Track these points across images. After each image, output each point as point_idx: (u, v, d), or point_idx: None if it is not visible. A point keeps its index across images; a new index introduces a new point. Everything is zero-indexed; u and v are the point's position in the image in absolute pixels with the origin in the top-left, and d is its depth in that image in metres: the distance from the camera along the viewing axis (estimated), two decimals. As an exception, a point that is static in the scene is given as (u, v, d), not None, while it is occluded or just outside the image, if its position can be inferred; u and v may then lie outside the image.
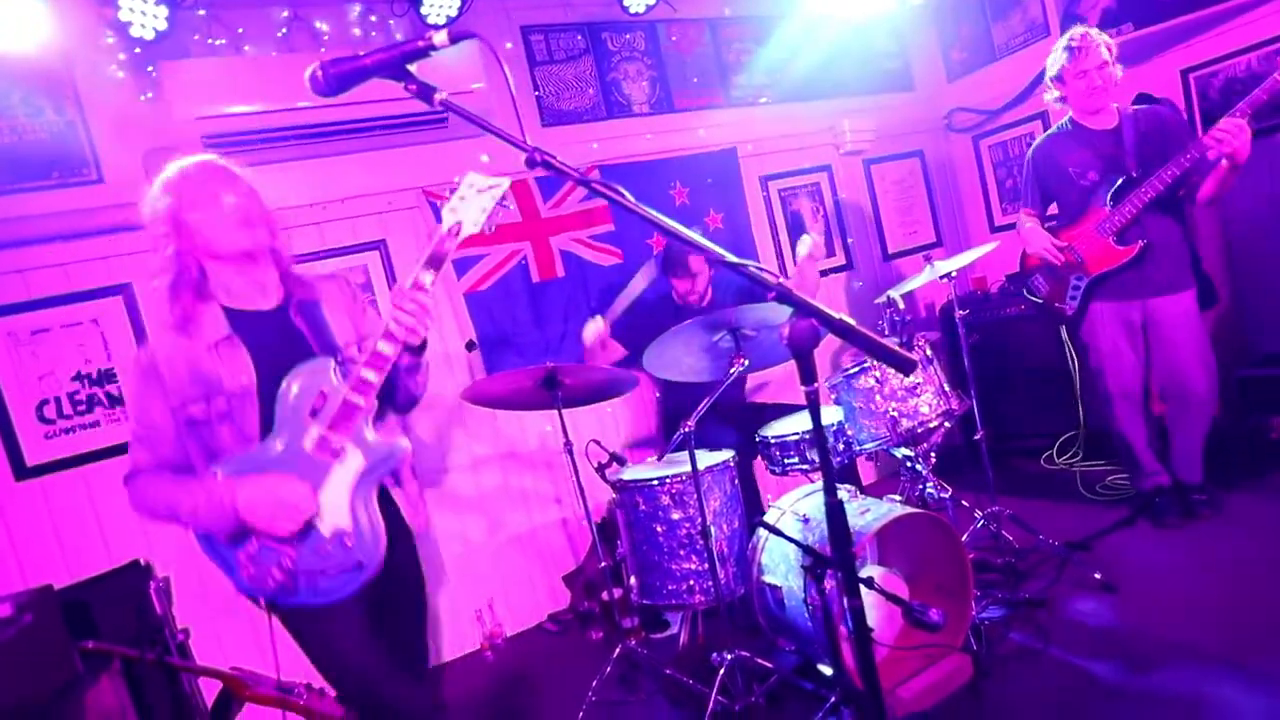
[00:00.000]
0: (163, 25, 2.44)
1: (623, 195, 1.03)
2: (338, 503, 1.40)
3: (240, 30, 2.74)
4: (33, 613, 1.96)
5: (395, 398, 1.60)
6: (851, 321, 0.98)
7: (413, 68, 1.06)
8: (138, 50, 2.49)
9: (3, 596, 2.02)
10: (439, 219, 3.21)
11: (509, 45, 3.22)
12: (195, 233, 1.43)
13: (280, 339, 1.50)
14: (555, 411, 2.30)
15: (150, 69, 2.55)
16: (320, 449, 1.39)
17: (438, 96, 1.05)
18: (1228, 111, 2.31)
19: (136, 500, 1.46)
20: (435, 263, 1.43)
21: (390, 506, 1.57)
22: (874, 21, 4.00)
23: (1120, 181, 2.52)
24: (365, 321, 1.63)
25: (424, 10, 2.73)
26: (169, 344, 1.45)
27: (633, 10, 3.14)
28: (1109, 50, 2.51)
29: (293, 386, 1.41)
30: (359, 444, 1.41)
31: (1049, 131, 2.76)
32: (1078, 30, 2.55)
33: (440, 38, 1.02)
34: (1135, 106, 2.63)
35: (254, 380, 1.44)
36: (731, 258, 1.00)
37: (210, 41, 2.66)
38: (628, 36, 3.51)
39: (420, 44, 1.04)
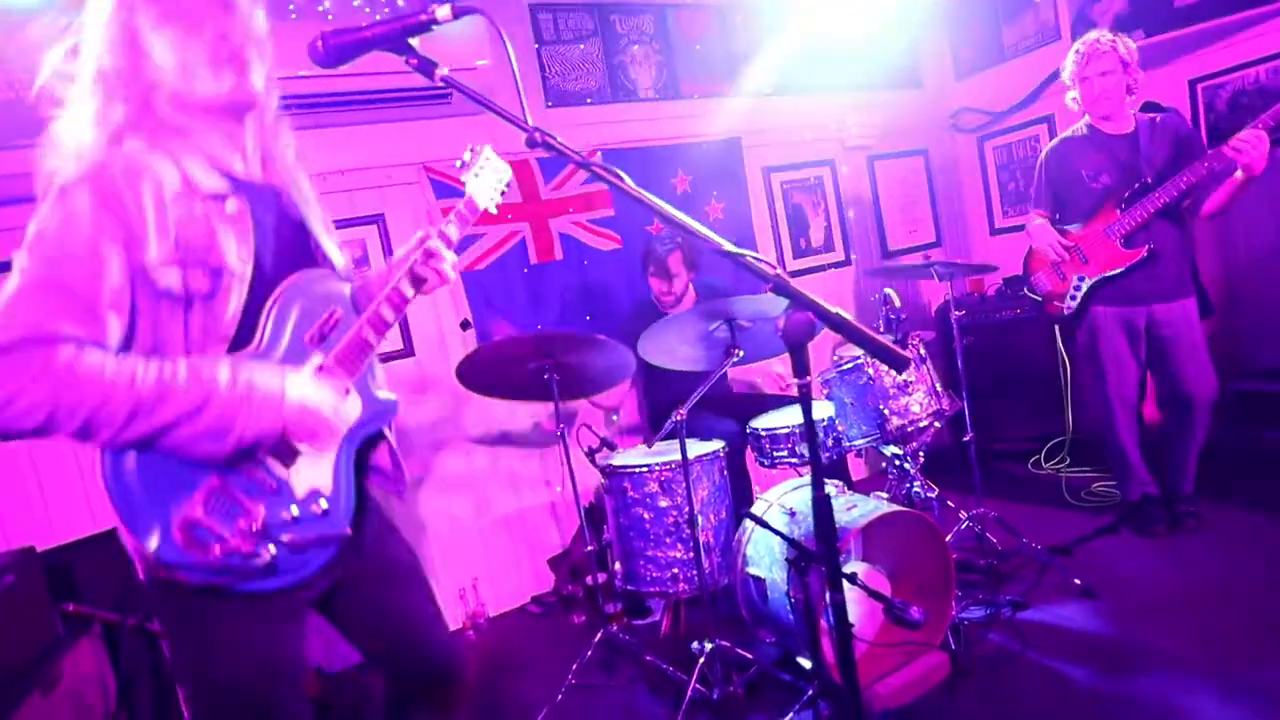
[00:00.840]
0: (163, -15, 2.39)
1: (622, 180, 1.01)
2: (322, 457, 1.14)
3: None
4: (14, 574, 1.95)
5: None
6: (848, 316, 0.98)
7: (415, 42, 1.04)
8: None
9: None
10: (439, 194, 3.19)
11: (516, 23, 3.18)
12: (159, 65, 1.04)
13: (284, 224, 1.17)
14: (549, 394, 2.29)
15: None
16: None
17: (439, 72, 1.03)
18: (1236, 123, 2.33)
19: (39, 380, 0.87)
20: (462, 222, 1.37)
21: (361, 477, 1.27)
22: (884, 16, 3.96)
23: (1136, 187, 2.53)
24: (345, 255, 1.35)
25: (431, -17, 2.69)
26: (140, 171, 0.99)
27: (643, -7, 3.10)
28: (1127, 54, 2.50)
29: (297, 295, 1.13)
30: (362, 390, 1.19)
31: (1063, 134, 2.76)
32: (1091, 35, 2.55)
33: (443, 11, 1.00)
34: (1150, 114, 2.63)
35: (252, 261, 1.08)
36: (730, 247, 0.99)
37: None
38: (637, 20, 3.47)
39: (423, 17, 1.02)
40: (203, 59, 1.05)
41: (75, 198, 0.95)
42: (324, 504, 1.12)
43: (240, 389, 0.98)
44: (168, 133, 1.06)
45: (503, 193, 1.48)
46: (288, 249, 1.16)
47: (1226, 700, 1.80)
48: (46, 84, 1.07)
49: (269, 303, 1.09)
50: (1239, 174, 2.34)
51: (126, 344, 1.01)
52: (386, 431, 1.28)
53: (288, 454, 1.10)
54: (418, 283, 1.27)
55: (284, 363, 1.08)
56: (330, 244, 1.25)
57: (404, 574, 1.33)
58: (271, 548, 1.04)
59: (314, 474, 1.13)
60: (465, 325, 3.09)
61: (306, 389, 1.06)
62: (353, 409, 1.17)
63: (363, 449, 1.24)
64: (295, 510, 1.08)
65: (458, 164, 1.45)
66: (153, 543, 0.96)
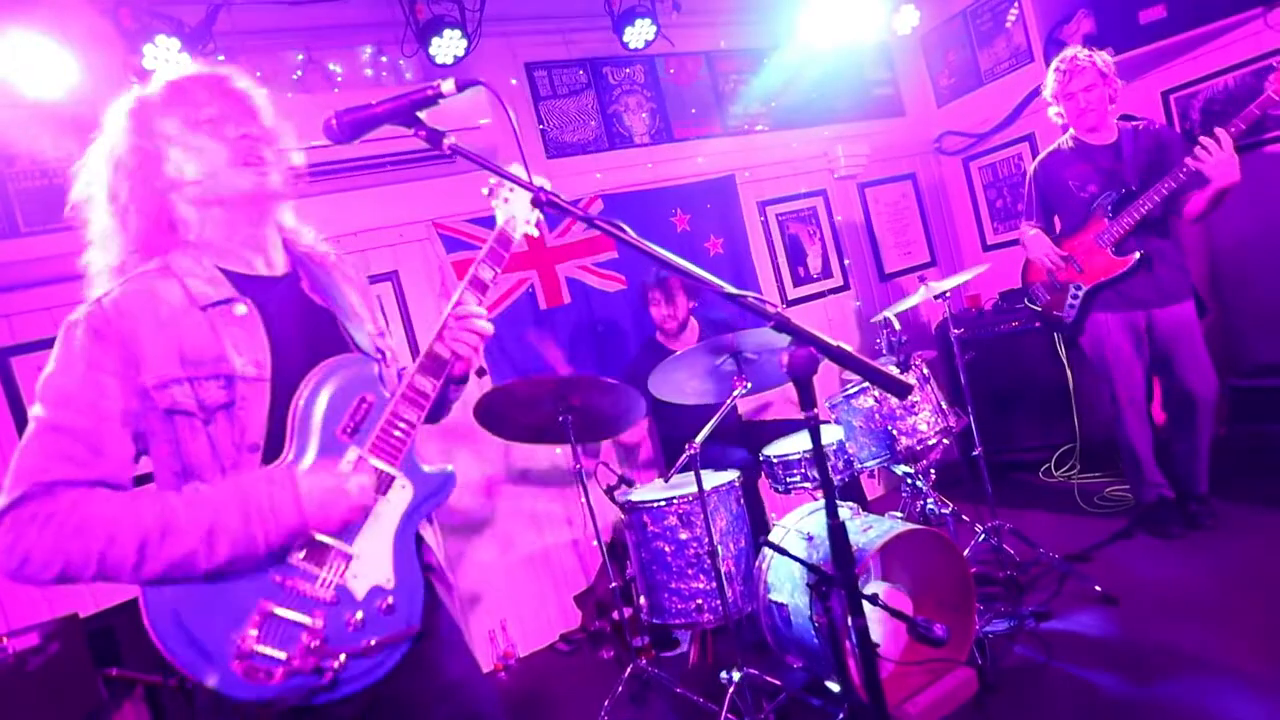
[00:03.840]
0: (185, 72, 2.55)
1: (624, 231, 1.06)
2: (378, 551, 1.06)
3: (258, 73, 2.85)
4: (59, 641, 2.01)
5: (432, 416, 1.29)
6: (849, 348, 1.02)
7: (422, 114, 1.09)
8: (110, 103, 2.59)
9: (30, 626, 2.08)
10: (449, 249, 3.29)
11: (513, 81, 3.34)
12: (180, 170, 1.05)
13: (300, 314, 1.13)
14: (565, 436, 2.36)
15: (172, 113, 2.65)
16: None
17: (446, 142, 1.09)
18: (1210, 130, 2.40)
19: (44, 534, 0.89)
20: (495, 260, 1.25)
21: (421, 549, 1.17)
22: (864, 50, 4.14)
23: (1121, 194, 2.61)
24: (378, 314, 1.30)
25: (432, 51, 2.85)
26: (136, 297, 1.00)
27: (632, 45, 3.26)
28: (1105, 68, 2.61)
29: (324, 390, 1.05)
30: (409, 473, 1.11)
31: (1050, 147, 2.85)
32: (1067, 52, 2.66)
33: (448, 86, 1.07)
34: (1133, 123, 2.72)
35: (269, 364, 1.04)
36: (730, 289, 1.03)
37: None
38: (627, 70, 3.64)
39: (429, 92, 1.07)
40: (224, 160, 1.06)
41: (73, 335, 0.98)
42: (390, 600, 1.05)
43: (251, 500, 0.94)
44: (176, 246, 1.07)
45: (537, 209, 1.30)
46: (312, 339, 1.11)
47: (1256, 699, 1.81)
48: (75, 203, 1.10)
49: (292, 404, 1.03)
50: (1211, 183, 2.41)
51: (129, 475, 1.00)
52: (424, 531, 1.18)
53: (338, 557, 1.03)
54: (453, 343, 1.18)
55: (317, 465, 1.03)
56: (359, 326, 1.19)
57: (466, 695, 1.18)
58: (341, 658, 0.98)
59: (373, 571, 1.05)
60: (481, 372, 3.15)
61: (317, 476, 0.99)
62: (401, 498, 1.09)
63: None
64: (360, 615, 1.02)
65: (485, 191, 1.33)
66: (212, 681, 0.92)
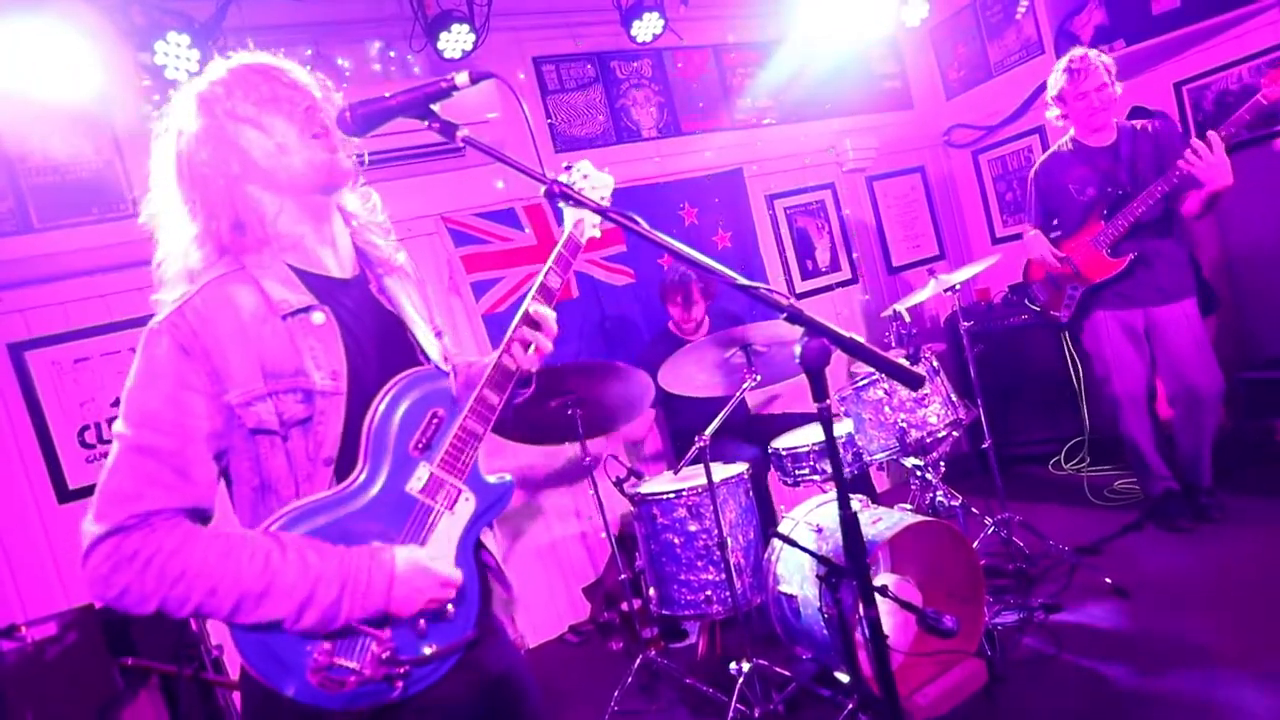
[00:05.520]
0: (194, 68, 2.56)
1: (636, 222, 1.05)
2: (443, 562, 1.08)
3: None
4: (76, 631, 2.04)
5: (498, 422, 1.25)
6: (861, 339, 1.01)
7: (436, 106, 1.08)
8: (172, 92, 2.61)
9: (47, 616, 2.10)
10: (458, 243, 3.30)
11: (521, 76, 3.35)
12: (248, 149, 1.02)
13: (372, 320, 1.11)
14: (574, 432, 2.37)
15: (183, 109, 2.66)
16: (430, 493, 1.06)
17: (460, 134, 1.07)
18: (1224, 121, 2.39)
19: (145, 575, 0.88)
20: (564, 266, 1.22)
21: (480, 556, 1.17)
22: (872, 43, 4.11)
23: (1116, 196, 2.60)
24: (435, 312, 1.27)
25: (441, 46, 2.85)
26: (218, 306, 0.97)
27: (639, 39, 3.25)
28: (1108, 70, 2.60)
29: (401, 404, 1.04)
30: (474, 487, 1.11)
31: (1050, 150, 2.85)
32: (1077, 52, 2.64)
33: (462, 78, 1.05)
34: (1133, 121, 2.71)
35: (345, 376, 1.03)
36: (742, 280, 1.02)
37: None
38: (635, 64, 3.63)
39: (443, 85, 1.05)
40: (294, 136, 1.03)
41: (156, 347, 0.95)
42: (450, 609, 1.07)
43: (349, 577, 0.94)
44: (251, 247, 1.03)
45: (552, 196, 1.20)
46: (385, 349, 1.10)
47: (1266, 691, 1.81)
48: (147, 208, 1.06)
49: (366, 420, 1.02)
50: (1204, 185, 2.40)
51: (231, 484, 1.02)
52: (484, 537, 1.19)
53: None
54: (518, 354, 1.15)
55: (390, 479, 1.03)
56: (425, 332, 1.18)
57: (512, 687, 1.19)
58: (407, 667, 1.01)
59: None
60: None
61: (414, 565, 0.99)
62: (466, 510, 1.10)
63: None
64: (423, 624, 1.04)
65: (564, 177, 1.24)
66: (290, 690, 0.96)
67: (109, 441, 2.63)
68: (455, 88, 1.07)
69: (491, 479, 1.14)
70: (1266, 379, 3.09)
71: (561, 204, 1.11)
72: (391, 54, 3.07)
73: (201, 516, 0.97)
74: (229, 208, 1.02)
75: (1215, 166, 2.34)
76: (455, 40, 2.86)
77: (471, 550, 1.12)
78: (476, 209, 3.18)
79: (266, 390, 0.97)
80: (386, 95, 1.08)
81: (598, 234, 1.31)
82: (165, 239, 1.05)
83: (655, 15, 3.20)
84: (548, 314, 1.17)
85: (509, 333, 1.15)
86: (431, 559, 1.03)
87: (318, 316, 1.03)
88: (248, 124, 1.03)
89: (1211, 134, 2.36)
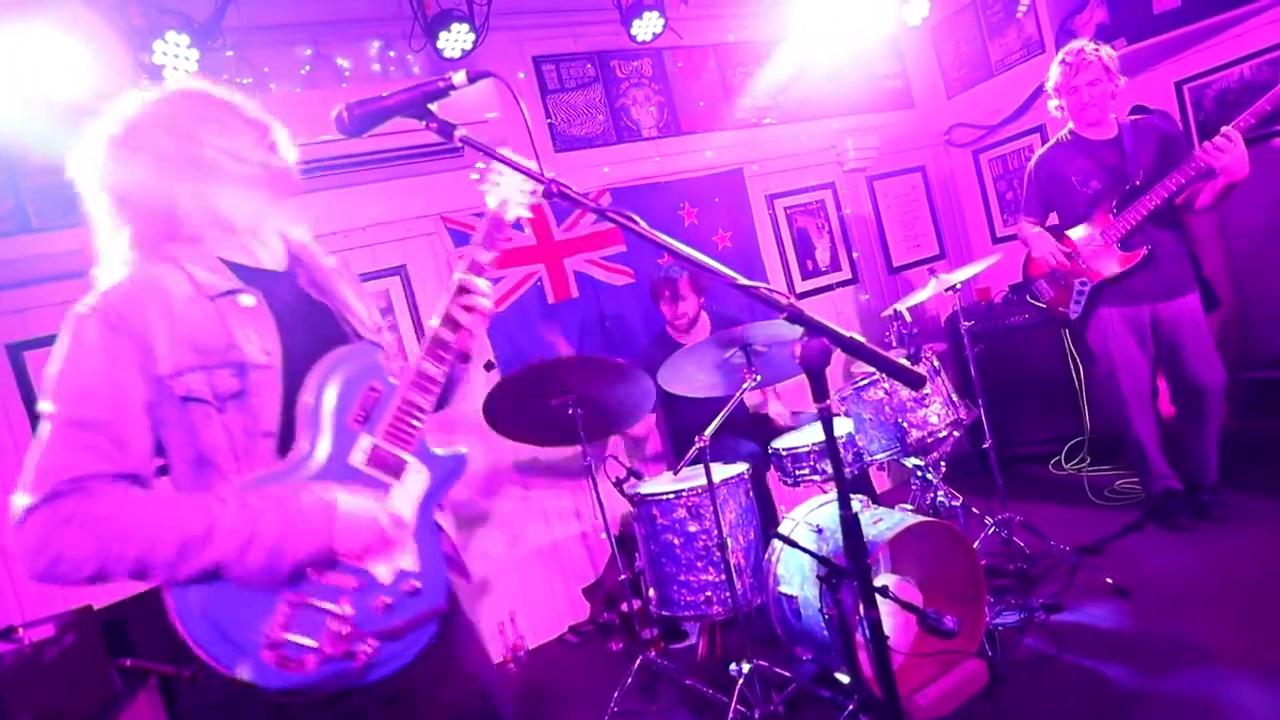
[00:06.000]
0: (193, 67, 2.55)
1: (636, 222, 1.05)
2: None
3: (266, 69, 2.86)
4: (74, 632, 2.03)
5: (442, 400, 1.27)
6: (861, 339, 1.01)
7: (433, 106, 1.08)
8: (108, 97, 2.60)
9: (45, 617, 2.10)
10: (457, 243, 3.30)
11: (521, 75, 3.34)
12: (190, 157, 1.06)
13: (304, 307, 1.15)
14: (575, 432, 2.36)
15: (181, 108, 2.66)
16: (375, 464, 1.07)
17: (457, 133, 1.08)
18: (1225, 120, 2.38)
19: (85, 535, 0.88)
20: (490, 243, 1.25)
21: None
22: (873, 42, 4.10)
23: (1126, 189, 2.59)
24: (374, 310, 1.31)
25: (440, 45, 2.85)
26: (144, 288, 1.00)
27: (640, 39, 3.24)
28: (1110, 62, 2.59)
29: (331, 380, 1.06)
30: (423, 457, 1.13)
31: (1050, 142, 2.83)
32: (1074, 45, 2.63)
33: (459, 78, 1.05)
34: (1131, 117, 2.70)
35: (279, 352, 1.06)
36: (742, 280, 1.02)
37: (238, 80, 2.78)
38: (635, 64, 3.63)
39: (440, 84, 1.05)
40: (233, 156, 1.08)
41: (85, 329, 0.96)
42: (415, 583, 1.07)
43: (290, 514, 0.95)
44: (181, 239, 1.07)
45: (533, 193, 1.30)
46: (316, 332, 1.13)
47: (1265, 690, 1.81)
48: (84, 206, 1.08)
49: (301, 394, 1.05)
50: (1220, 177, 2.39)
51: (168, 459, 1.02)
52: (438, 519, 1.20)
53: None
54: (454, 326, 1.17)
55: (333, 453, 1.04)
56: (360, 314, 1.22)
57: (481, 685, 1.20)
58: (371, 643, 1.00)
59: (397, 556, 1.08)
60: (489, 366, 3.19)
61: (358, 500, 1.02)
62: (416, 482, 1.11)
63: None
64: (388, 598, 1.04)
65: (474, 175, 1.32)
66: (245, 672, 0.93)
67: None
68: (453, 87, 1.07)
69: (441, 451, 1.16)
70: (1269, 379, 3.08)
71: (565, 202, 1.10)
72: (391, 54, 3.06)
73: (140, 484, 0.97)
74: (159, 209, 1.05)
75: (1239, 158, 2.34)
76: (455, 39, 2.85)
77: (430, 524, 1.13)
78: (476, 209, 3.17)
79: (198, 363, 1.00)
80: (384, 95, 1.08)
81: (527, 214, 1.32)
82: (100, 229, 1.07)
83: (655, 14, 3.19)
84: (478, 281, 1.19)
85: (443, 306, 1.17)
86: (373, 503, 1.03)
87: (246, 299, 1.06)
88: (185, 140, 1.06)
89: (1229, 129, 2.34)
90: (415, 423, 1.11)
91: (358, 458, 1.06)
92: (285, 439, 1.05)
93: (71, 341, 0.97)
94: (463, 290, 1.18)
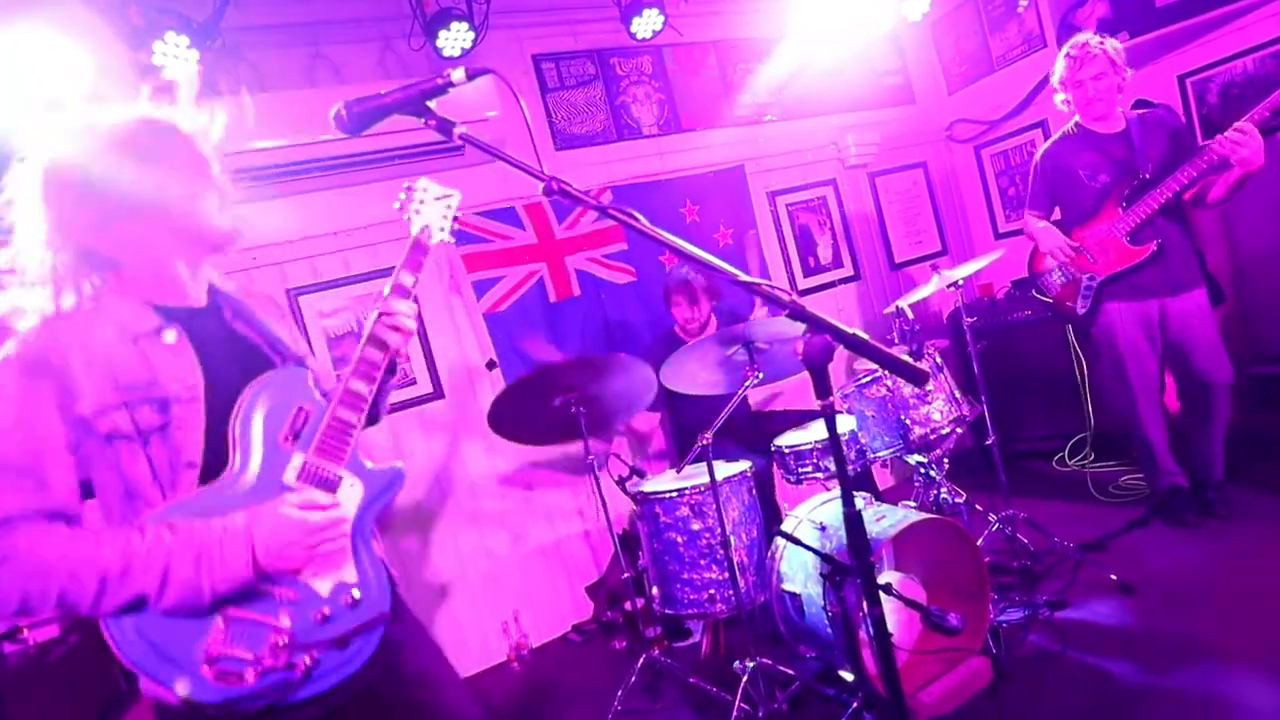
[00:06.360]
0: (193, 68, 2.55)
1: (637, 220, 1.06)
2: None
3: (265, 69, 2.86)
4: (78, 633, 2.04)
5: (370, 415, 1.32)
6: (864, 336, 1.01)
7: (432, 104, 1.08)
8: (55, 116, 2.58)
9: (50, 618, 2.10)
10: (458, 241, 3.30)
11: (521, 74, 3.33)
12: (124, 195, 1.05)
13: (227, 340, 1.18)
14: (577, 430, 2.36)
15: (181, 109, 2.66)
16: (308, 479, 1.09)
17: (457, 131, 1.08)
18: (1229, 114, 2.38)
19: (2, 573, 0.91)
20: (414, 267, 1.28)
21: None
22: (873, 38, 4.09)
23: (1136, 183, 2.58)
24: (300, 340, 1.34)
25: (440, 44, 2.84)
26: (65, 327, 1.01)
27: (639, 36, 3.23)
28: (1115, 55, 2.57)
29: (260, 402, 1.09)
30: (357, 471, 1.16)
31: (1055, 136, 2.81)
32: (1079, 38, 2.62)
33: (458, 75, 1.05)
34: (1137, 110, 2.68)
35: (201, 385, 1.08)
36: (745, 277, 1.02)
37: (237, 80, 2.78)
38: (635, 61, 3.62)
39: (439, 81, 1.06)
40: (168, 204, 1.08)
41: (6, 373, 0.97)
42: (355, 593, 1.09)
43: (203, 549, 0.96)
44: (109, 275, 1.07)
45: (456, 217, 1.36)
46: (240, 362, 1.15)
47: (1273, 687, 1.80)
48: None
49: (231, 418, 1.07)
50: (1237, 169, 2.38)
51: (93, 495, 1.04)
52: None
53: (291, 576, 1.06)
54: (381, 346, 1.21)
55: (264, 471, 1.06)
56: (286, 341, 1.25)
57: (435, 679, 1.25)
58: (311, 654, 1.01)
59: (336, 569, 1.09)
60: (491, 365, 3.19)
61: (271, 523, 1.01)
62: (352, 496, 1.14)
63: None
64: (326, 610, 1.06)
65: (395, 205, 1.35)
66: (183, 688, 0.94)
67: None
68: (451, 84, 1.07)
69: (376, 467, 1.19)
70: (1274, 374, 3.07)
71: (565, 200, 1.10)
72: (390, 53, 3.06)
73: (66, 521, 0.99)
74: (84, 252, 1.05)
75: (1256, 150, 2.33)
76: (454, 38, 2.84)
77: (369, 535, 1.16)
78: (477, 208, 3.17)
79: (119, 400, 1.01)
80: (382, 92, 1.08)
81: (450, 239, 1.36)
82: (19, 267, 1.05)
83: (655, 11, 3.18)
84: (400, 304, 1.23)
85: (368, 327, 1.21)
86: (303, 506, 1.04)
87: (169, 335, 1.09)
88: (116, 184, 1.04)
89: (1243, 123, 2.33)
90: (345, 438, 1.13)
91: (290, 475, 1.09)
92: (209, 469, 1.06)
93: None
94: (386, 314, 1.21)
